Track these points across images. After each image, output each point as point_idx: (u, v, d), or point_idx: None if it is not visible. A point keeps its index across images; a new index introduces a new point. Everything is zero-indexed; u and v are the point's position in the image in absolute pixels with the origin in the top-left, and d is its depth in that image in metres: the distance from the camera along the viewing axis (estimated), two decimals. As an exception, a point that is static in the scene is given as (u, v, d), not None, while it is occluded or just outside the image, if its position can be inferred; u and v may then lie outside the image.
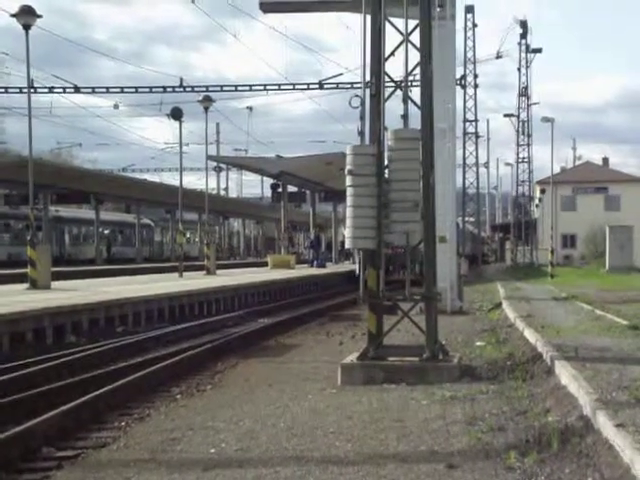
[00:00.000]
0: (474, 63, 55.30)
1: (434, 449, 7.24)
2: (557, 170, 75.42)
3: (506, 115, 68.78)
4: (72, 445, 8.43)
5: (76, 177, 48.76)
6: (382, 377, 10.69)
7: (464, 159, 57.00)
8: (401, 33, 11.43)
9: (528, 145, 66.66)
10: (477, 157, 58.96)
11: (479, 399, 9.34)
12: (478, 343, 14.71)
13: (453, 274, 23.65)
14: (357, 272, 37.00)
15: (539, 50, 66.19)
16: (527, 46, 64.87)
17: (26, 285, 22.75)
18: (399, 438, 7.61)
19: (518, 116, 66.19)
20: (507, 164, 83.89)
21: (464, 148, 56.48)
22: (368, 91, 11.19)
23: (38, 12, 22.90)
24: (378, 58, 11.20)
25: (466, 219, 62.44)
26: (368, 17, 11.29)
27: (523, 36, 64.39)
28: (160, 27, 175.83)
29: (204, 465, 7.00)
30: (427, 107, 11.26)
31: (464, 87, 51.76)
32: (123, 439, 8.28)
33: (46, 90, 42.92)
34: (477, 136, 58.96)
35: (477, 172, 59.32)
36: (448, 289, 22.09)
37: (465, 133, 56.64)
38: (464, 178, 57.68)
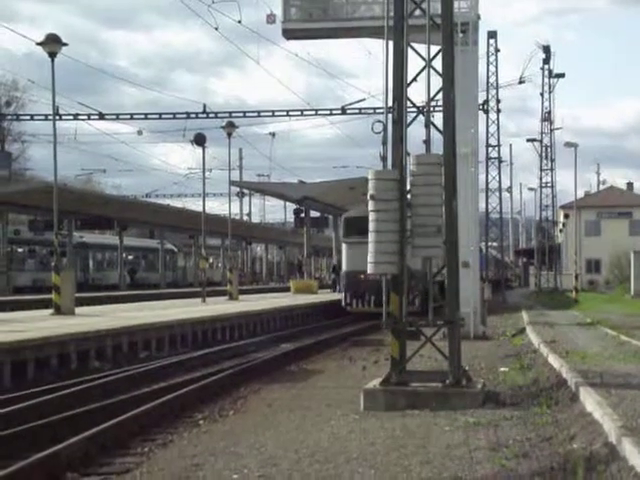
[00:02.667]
0: (497, 88, 55.24)
1: (458, 475, 7.18)
2: (581, 195, 75.13)
3: (529, 140, 68.71)
4: (96, 471, 8.44)
5: (100, 203, 49.08)
6: (405, 403, 10.64)
7: (487, 184, 56.78)
8: (423, 59, 11.48)
9: (551, 170, 66.47)
10: (500, 182, 58.74)
11: (503, 425, 9.27)
12: (502, 369, 14.62)
13: (476, 299, 23.54)
14: (343, 302, 32.11)
15: (562, 75, 66.14)
16: (550, 71, 64.85)
17: (51, 311, 22.87)
18: (422, 464, 7.56)
19: (541, 141, 66.08)
20: (530, 189, 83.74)
21: (487, 173, 56.31)
22: (390, 116, 11.22)
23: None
24: (400, 83, 11.24)
25: (489, 244, 62.17)
26: (390, 43, 11.35)
27: (546, 61, 64.39)
28: (180, 53, 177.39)
29: (227, 491, 6.99)
30: (449, 132, 11.28)
31: (487, 112, 51.67)
32: (146, 465, 8.29)
33: (71, 117, 43.33)
34: (500, 161, 58.78)
35: (500, 197, 59.08)
36: (471, 314, 21.96)
37: (488, 158, 56.47)
38: (487, 203, 57.50)
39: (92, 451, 8.98)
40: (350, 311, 31.83)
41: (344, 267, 33.00)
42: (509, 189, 73.61)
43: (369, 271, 11.30)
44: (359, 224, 31.34)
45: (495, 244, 69.19)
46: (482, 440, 8.50)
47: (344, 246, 33.28)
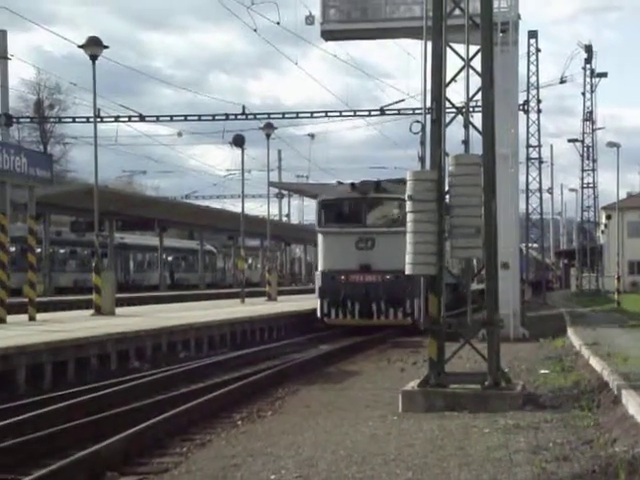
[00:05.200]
0: (537, 88, 54.74)
1: (497, 478, 7.11)
2: (623, 195, 74.30)
3: (570, 140, 68.04)
4: (135, 470, 8.49)
5: (140, 204, 49.46)
6: (443, 404, 10.58)
7: (527, 184, 56.29)
8: (462, 59, 11.42)
9: (593, 170, 65.81)
10: (540, 182, 58.20)
11: (543, 428, 9.18)
12: (542, 371, 14.49)
13: (516, 301, 23.37)
14: (318, 312, 25.28)
15: (604, 74, 65.40)
16: (592, 70, 64.19)
17: (91, 311, 23.09)
18: (461, 466, 7.51)
19: (583, 141, 65.41)
20: (571, 190, 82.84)
21: (527, 173, 55.79)
22: (429, 117, 11.17)
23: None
24: (439, 84, 11.18)
25: (530, 245, 61.66)
26: (429, 43, 11.30)
27: (588, 61, 63.74)
28: (217, 54, 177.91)
29: (264, 491, 6.98)
30: (489, 132, 11.20)
31: (527, 112, 51.20)
32: (185, 465, 8.32)
33: (112, 119, 43.66)
34: (540, 161, 58.25)
35: (540, 198, 58.54)
36: (511, 316, 21.82)
37: (528, 158, 55.98)
38: (527, 204, 57.00)
39: (131, 451, 9.04)
40: (328, 323, 25.09)
41: (320, 266, 26.06)
42: (550, 190, 73.04)
43: (407, 272, 11.18)
44: (338, 209, 25.94)
45: (536, 245, 68.63)
46: (522, 443, 8.42)
47: (320, 238, 26.19)
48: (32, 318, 20.30)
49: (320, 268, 25.83)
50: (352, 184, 25.76)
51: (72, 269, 53.99)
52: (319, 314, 25.18)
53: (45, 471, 7.70)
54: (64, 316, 22.98)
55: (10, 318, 19.87)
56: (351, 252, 24.74)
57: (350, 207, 25.75)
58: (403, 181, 26.02)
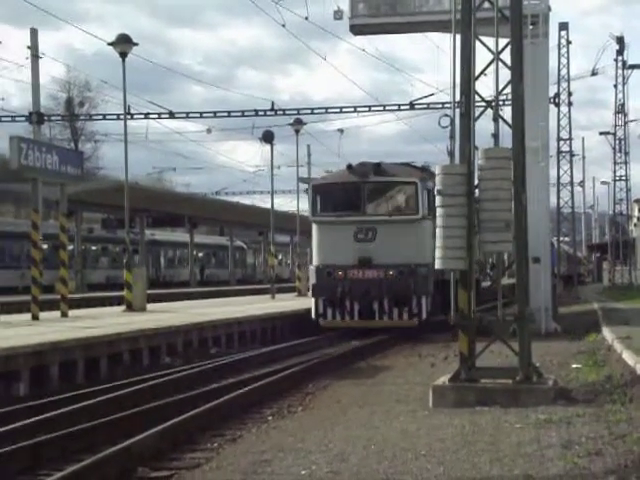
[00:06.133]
0: (568, 81, 54.32)
1: (528, 473, 7.08)
2: (656, 188, 73.49)
3: (602, 133, 67.47)
4: (166, 465, 8.54)
5: (171, 201, 49.69)
6: (474, 399, 10.54)
7: (558, 178, 55.89)
8: (492, 52, 11.34)
9: (625, 163, 65.18)
10: (572, 176, 57.80)
11: (575, 422, 9.11)
12: (574, 365, 14.39)
13: (548, 295, 23.21)
14: (313, 313, 22.11)
15: (637, 66, 64.68)
16: (624, 62, 63.57)
17: (123, 307, 23.24)
18: (492, 461, 7.47)
19: (615, 134, 64.81)
20: (603, 183, 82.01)
21: (558, 167, 55.41)
22: (458, 110, 11.11)
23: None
24: (468, 77, 11.12)
25: (561, 239, 61.24)
26: (458, 36, 11.24)
27: (620, 52, 63.11)
28: (245, 50, 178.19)
29: (295, 486, 7.00)
30: (519, 126, 11.12)
31: (558, 105, 50.76)
32: (215, 460, 8.35)
33: (142, 116, 43.90)
34: (571, 154, 57.81)
35: (572, 191, 58.17)
36: (542, 310, 21.68)
37: (559, 151, 55.59)
38: (558, 197, 56.66)
39: (163, 446, 9.10)
40: (323, 326, 22.13)
41: (314, 260, 22.94)
42: (581, 183, 72.47)
43: (436, 266, 11.13)
44: (334, 195, 22.85)
45: (567, 239, 68.11)
46: (553, 437, 8.36)
47: (313, 228, 23.01)
48: (64, 315, 20.48)
49: (314, 263, 22.77)
50: (349, 166, 22.60)
51: (104, 266, 54.43)
52: (314, 315, 22.22)
53: (78, 466, 7.77)
54: (96, 312, 23.15)
55: (43, 315, 20.07)
56: (349, 244, 21.90)
57: (347, 193, 22.53)
58: (407, 164, 24.90)
